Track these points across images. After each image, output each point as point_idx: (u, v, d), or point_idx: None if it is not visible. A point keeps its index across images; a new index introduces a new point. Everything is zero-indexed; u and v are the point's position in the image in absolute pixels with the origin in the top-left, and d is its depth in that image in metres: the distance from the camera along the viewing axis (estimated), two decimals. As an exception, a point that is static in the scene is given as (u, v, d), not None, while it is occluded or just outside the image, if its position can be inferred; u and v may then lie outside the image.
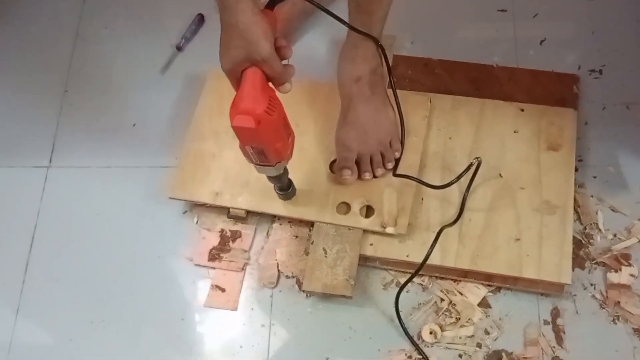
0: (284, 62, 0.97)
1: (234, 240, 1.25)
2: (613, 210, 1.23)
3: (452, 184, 1.17)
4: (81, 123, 1.41)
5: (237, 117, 0.94)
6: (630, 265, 1.18)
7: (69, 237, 1.29)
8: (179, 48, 1.46)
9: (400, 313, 1.15)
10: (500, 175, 1.23)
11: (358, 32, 1.13)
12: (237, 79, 0.97)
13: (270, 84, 0.98)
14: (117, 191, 1.33)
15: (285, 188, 1.18)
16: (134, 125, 1.39)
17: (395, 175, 1.21)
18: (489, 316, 1.17)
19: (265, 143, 0.99)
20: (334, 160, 1.24)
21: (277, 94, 0.99)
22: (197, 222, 1.27)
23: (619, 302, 1.16)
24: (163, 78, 1.44)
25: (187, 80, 1.42)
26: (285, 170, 1.12)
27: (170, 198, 1.26)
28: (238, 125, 0.95)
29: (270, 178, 1.13)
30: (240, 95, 0.96)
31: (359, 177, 1.22)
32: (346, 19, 1.13)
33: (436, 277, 1.20)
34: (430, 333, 1.15)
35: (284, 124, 1.02)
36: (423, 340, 1.15)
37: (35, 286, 1.26)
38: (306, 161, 1.24)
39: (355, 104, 1.20)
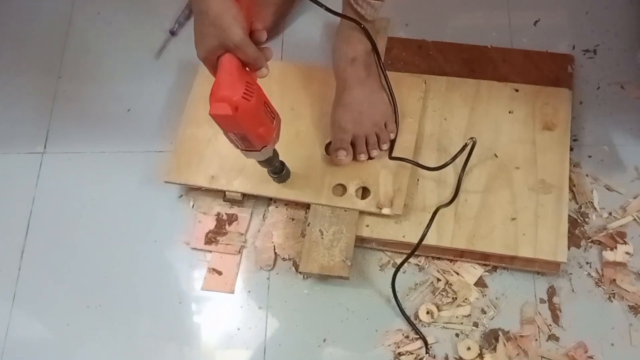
0: (264, 45, 0.97)
1: (230, 224, 1.25)
2: (608, 189, 1.23)
3: (447, 165, 1.17)
4: (75, 109, 1.40)
5: (213, 105, 0.94)
6: (625, 243, 1.18)
7: (65, 223, 1.29)
8: (173, 33, 1.45)
9: (397, 293, 1.16)
10: (496, 155, 1.23)
11: (348, 19, 1.12)
12: (213, 67, 0.97)
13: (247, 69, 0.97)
14: (112, 176, 1.33)
15: (278, 171, 1.18)
16: (129, 110, 1.39)
17: (391, 158, 1.21)
18: (485, 295, 1.17)
19: (246, 129, 0.99)
20: (330, 142, 1.24)
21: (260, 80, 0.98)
22: (193, 206, 1.27)
23: (614, 280, 1.16)
24: (157, 63, 1.44)
25: (182, 64, 1.42)
26: (275, 154, 1.11)
27: (166, 182, 1.26)
28: (215, 113, 0.95)
29: (260, 162, 1.12)
30: (216, 82, 0.95)
31: (354, 158, 1.22)
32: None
33: (432, 257, 1.20)
34: (427, 313, 1.16)
35: (265, 108, 1.01)
36: (420, 320, 1.16)
37: (32, 272, 1.26)
38: (302, 144, 1.24)
39: (350, 85, 1.20)
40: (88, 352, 1.20)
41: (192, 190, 1.28)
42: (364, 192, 1.22)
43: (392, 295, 1.16)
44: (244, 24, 0.93)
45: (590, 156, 1.26)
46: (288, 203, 1.26)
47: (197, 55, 0.96)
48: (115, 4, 1.51)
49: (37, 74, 1.44)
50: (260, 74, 0.98)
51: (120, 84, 1.43)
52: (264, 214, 1.26)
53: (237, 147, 1.05)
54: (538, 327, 1.14)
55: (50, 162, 1.35)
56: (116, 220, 1.29)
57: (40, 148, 1.37)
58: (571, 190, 1.22)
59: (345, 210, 1.20)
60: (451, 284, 1.18)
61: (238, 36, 0.93)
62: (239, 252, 1.23)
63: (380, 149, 1.22)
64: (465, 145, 1.16)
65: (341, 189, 1.22)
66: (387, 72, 1.24)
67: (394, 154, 1.22)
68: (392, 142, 1.23)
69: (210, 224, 1.25)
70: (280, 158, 1.14)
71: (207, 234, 1.24)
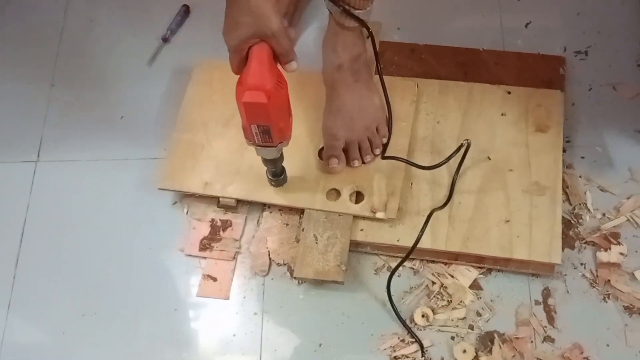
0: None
1: (224, 230, 1.25)
2: (601, 189, 1.23)
3: (442, 164, 1.17)
4: (69, 117, 1.40)
5: (247, 93, 0.94)
6: (619, 243, 1.18)
7: (59, 231, 1.29)
8: (165, 39, 1.46)
9: (392, 297, 1.16)
10: (489, 158, 1.23)
11: (355, 19, 1.11)
12: (241, 56, 0.97)
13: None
14: (106, 184, 1.32)
15: (278, 174, 1.18)
16: (122, 117, 1.39)
17: (383, 157, 1.22)
18: (480, 298, 1.17)
19: (273, 120, 0.99)
20: (322, 148, 1.24)
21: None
22: (187, 213, 1.27)
23: (609, 280, 1.16)
24: (150, 70, 1.43)
25: (174, 71, 1.42)
26: (282, 155, 1.12)
27: (160, 189, 1.26)
28: (249, 101, 0.94)
29: (266, 162, 1.12)
30: (248, 71, 0.95)
31: (348, 164, 1.22)
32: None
33: (427, 260, 1.20)
34: (423, 316, 1.16)
35: (289, 102, 1.02)
36: (415, 324, 1.16)
37: (27, 280, 1.25)
38: (296, 149, 1.24)
39: (339, 91, 1.20)
40: (86, 358, 1.19)
41: (186, 196, 1.28)
42: (358, 196, 1.22)
43: (387, 299, 1.16)
44: (281, 15, 0.94)
45: (583, 157, 1.27)
46: (282, 208, 1.26)
47: (227, 44, 0.95)
48: (108, 12, 1.51)
49: (30, 82, 1.44)
50: (289, 67, 0.98)
51: (113, 91, 1.42)
52: (258, 220, 1.26)
53: (253, 143, 1.05)
54: (533, 328, 1.14)
55: (44, 171, 1.35)
56: (110, 228, 1.28)
57: (33, 156, 1.36)
58: (564, 192, 1.22)
59: (340, 215, 1.20)
60: (446, 287, 1.18)
61: (276, 25, 0.93)
62: (234, 258, 1.23)
63: (374, 154, 1.23)
64: (461, 146, 1.16)
65: (335, 193, 1.22)
66: (381, 72, 1.24)
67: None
68: (385, 146, 1.23)
69: (205, 230, 1.25)
70: (275, 162, 1.15)
71: (202, 240, 1.24)
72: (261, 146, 1.05)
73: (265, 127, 1.00)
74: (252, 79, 0.93)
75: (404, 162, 1.21)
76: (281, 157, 1.12)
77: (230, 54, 0.97)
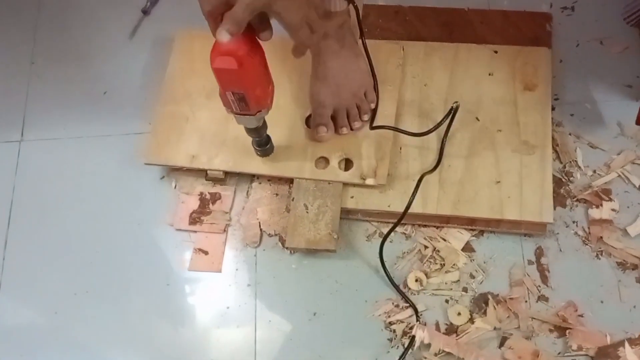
0: None
1: (213, 203, 1.24)
2: (591, 146, 1.23)
3: (433, 131, 1.16)
4: (51, 94, 1.38)
5: (218, 59, 0.92)
6: (610, 200, 1.18)
7: (47, 211, 1.28)
8: (145, 11, 1.43)
9: (385, 263, 1.15)
10: (477, 119, 1.22)
11: None
12: (216, 22, 0.94)
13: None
14: (92, 161, 1.31)
15: (263, 143, 1.17)
16: (105, 93, 1.37)
17: (372, 128, 1.20)
18: (473, 260, 1.17)
19: (247, 87, 0.97)
20: (310, 116, 1.23)
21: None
22: (175, 187, 1.26)
23: (601, 237, 1.16)
24: (131, 43, 1.41)
25: (156, 43, 1.40)
26: (264, 124, 1.10)
27: (146, 164, 1.24)
28: (219, 66, 0.93)
29: (249, 131, 1.11)
30: None
31: (336, 131, 1.21)
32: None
33: (419, 225, 1.19)
34: (416, 281, 1.16)
35: (265, 70, 1.00)
36: (409, 289, 1.16)
37: (16, 262, 1.24)
38: (282, 118, 1.23)
39: (324, 59, 1.18)
40: (80, 337, 1.19)
41: (173, 170, 1.27)
42: (347, 163, 1.21)
43: (380, 265, 1.15)
44: None
45: (572, 114, 1.26)
46: (271, 179, 1.25)
47: (202, 9, 0.92)
48: (85, -15, 1.48)
49: (10, 61, 1.41)
50: (264, 36, 0.96)
51: (95, 66, 1.40)
52: (248, 191, 1.25)
53: (232, 111, 1.03)
54: (527, 288, 1.14)
55: (28, 150, 1.33)
56: (99, 205, 1.27)
57: (17, 136, 1.34)
58: (554, 150, 1.22)
59: (329, 183, 1.19)
60: (439, 251, 1.17)
61: None
62: (224, 230, 1.22)
63: (362, 120, 1.21)
64: (451, 109, 1.15)
65: (324, 161, 1.21)
66: (365, 40, 1.22)
67: (375, 123, 1.21)
68: (373, 112, 1.22)
69: (194, 204, 1.24)
70: (263, 131, 1.13)
71: (191, 214, 1.23)
72: (239, 114, 1.04)
73: (241, 95, 0.98)
74: (224, 45, 0.91)
75: (393, 130, 1.19)
76: (264, 126, 1.10)
77: (206, 20, 0.95)
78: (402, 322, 1.14)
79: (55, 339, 1.19)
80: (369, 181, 1.18)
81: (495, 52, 1.27)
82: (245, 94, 0.98)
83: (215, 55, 0.92)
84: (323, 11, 1.13)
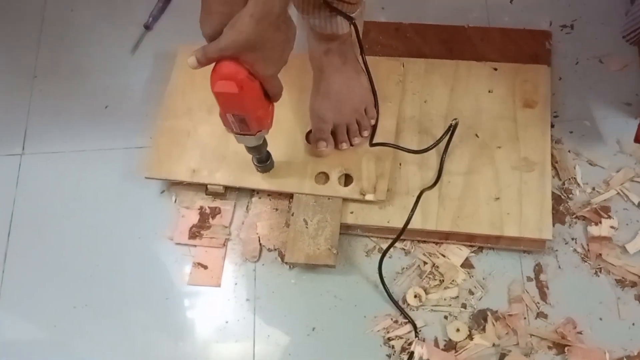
0: None
1: (213, 217, 1.24)
2: (591, 163, 1.23)
3: (432, 147, 1.16)
4: (53, 108, 1.39)
5: (219, 82, 0.92)
6: (609, 217, 1.18)
7: (47, 224, 1.28)
8: (148, 27, 1.44)
9: (384, 278, 1.15)
10: (477, 135, 1.23)
11: (336, 12, 1.11)
12: None
13: None
14: (93, 175, 1.31)
15: (264, 160, 1.17)
16: (106, 107, 1.38)
17: (372, 145, 1.20)
18: (472, 276, 1.17)
19: (247, 110, 0.97)
20: (310, 131, 1.23)
21: None
22: (175, 201, 1.26)
23: (600, 254, 1.16)
24: (133, 58, 1.42)
25: (158, 58, 1.40)
26: (265, 141, 1.10)
27: (147, 178, 1.24)
28: (220, 90, 0.93)
29: (249, 149, 1.11)
30: (221, 60, 0.94)
31: (336, 147, 1.21)
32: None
33: (418, 240, 1.20)
34: (415, 296, 1.16)
35: (265, 92, 1.00)
36: (408, 304, 1.16)
37: (16, 275, 1.25)
38: (282, 133, 1.23)
39: (327, 74, 1.19)
40: (79, 350, 1.19)
41: (174, 185, 1.27)
42: (347, 179, 1.21)
43: (379, 280, 1.15)
44: None
45: (571, 132, 1.26)
46: (271, 193, 1.25)
47: (202, 32, 0.93)
48: (88, 0, 1.49)
49: (12, 75, 1.42)
50: None
51: (97, 80, 1.41)
52: (248, 206, 1.25)
53: (232, 131, 1.03)
54: (526, 305, 1.14)
55: (29, 163, 1.34)
56: (99, 219, 1.28)
57: (18, 149, 1.35)
58: (554, 167, 1.22)
59: (329, 199, 1.19)
60: (438, 267, 1.17)
61: None
62: (224, 245, 1.22)
63: (362, 136, 1.22)
64: (450, 127, 1.16)
65: (324, 177, 1.21)
66: (365, 56, 1.23)
67: (375, 139, 1.21)
68: (373, 128, 1.22)
69: (194, 218, 1.24)
70: (263, 147, 1.13)
71: (191, 228, 1.23)
72: (239, 134, 1.04)
73: (241, 117, 0.98)
74: (225, 68, 0.91)
75: (393, 147, 1.20)
76: (264, 144, 1.11)
77: (207, 42, 0.96)
78: (401, 337, 1.14)
79: (55, 352, 1.19)
80: (369, 197, 1.18)
81: (495, 69, 1.28)
82: (245, 116, 0.98)
83: (216, 79, 0.92)
84: (325, 34, 1.14)
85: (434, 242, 1.19)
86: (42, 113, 1.39)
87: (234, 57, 0.90)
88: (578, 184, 1.21)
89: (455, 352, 1.12)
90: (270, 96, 0.99)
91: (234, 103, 0.95)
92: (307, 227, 1.18)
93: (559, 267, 1.16)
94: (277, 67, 0.95)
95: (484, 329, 1.13)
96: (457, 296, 1.16)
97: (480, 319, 1.14)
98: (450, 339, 1.13)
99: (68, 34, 1.47)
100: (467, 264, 1.18)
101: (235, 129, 1.02)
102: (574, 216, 1.19)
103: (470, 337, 1.13)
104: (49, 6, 1.49)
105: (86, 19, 1.47)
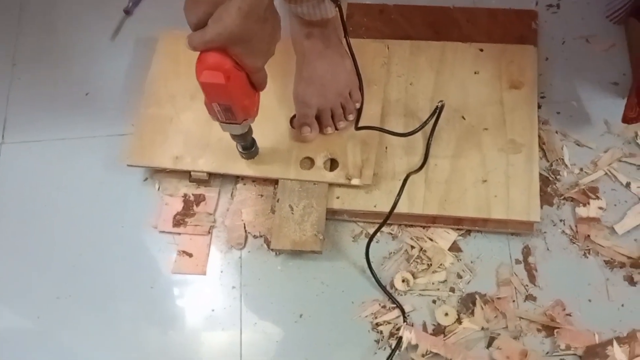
0: None
1: (197, 204, 1.22)
2: (578, 144, 1.22)
3: (418, 130, 1.15)
4: (32, 96, 1.36)
5: (205, 72, 0.90)
6: (598, 198, 1.17)
7: (29, 214, 1.26)
8: (128, 12, 1.42)
9: (372, 264, 1.14)
10: (463, 117, 1.21)
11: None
12: None
13: None
14: (74, 163, 1.29)
15: (248, 147, 1.16)
16: (87, 94, 1.35)
17: (357, 128, 1.19)
18: (460, 260, 1.16)
19: (233, 100, 0.96)
20: (294, 116, 1.22)
21: None
22: (158, 189, 1.25)
23: (589, 235, 1.15)
24: (114, 44, 1.40)
25: (139, 44, 1.38)
26: (250, 129, 1.09)
27: (129, 166, 1.23)
28: (206, 81, 0.91)
29: (234, 136, 1.10)
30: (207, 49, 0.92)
31: (321, 131, 1.20)
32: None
33: (405, 225, 1.18)
34: (403, 281, 1.15)
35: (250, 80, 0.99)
36: (396, 289, 1.14)
37: (-2, 266, 1.23)
38: (266, 118, 1.21)
39: (309, 59, 1.17)
40: (63, 341, 1.17)
41: (157, 172, 1.25)
42: (333, 163, 1.20)
43: (366, 265, 1.14)
44: None
45: (558, 112, 1.25)
46: (256, 179, 1.23)
47: (187, 21, 0.91)
48: (66, -14, 1.47)
49: (-10, 62, 1.40)
50: None
51: (77, 67, 1.38)
52: (232, 192, 1.24)
53: (217, 119, 1.02)
54: (515, 288, 1.13)
55: (9, 153, 1.31)
56: (81, 208, 1.26)
57: (-2, 139, 1.33)
58: (541, 148, 1.21)
59: (314, 184, 1.18)
60: (425, 251, 1.16)
61: None
62: (209, 232, 1.21)
63: (347, 120, 1.20)
64: (436, 109, 1.14)
65: (309, 162, 1.20)
66: (349, 39, 1.21)
67: (361, 123, 1.20)
68: (359, 111, 1.21)
69: (178, 205, 1.22)
70: (247, 133, 1.12)
71: (175, 216, 1.21)
72: (225, 123, 1.02)
73: (227, 106, 0.97)
74: (211, 58, 0.89)
75: (378, 130, 1.18)
76: (249, 132, 1.09)
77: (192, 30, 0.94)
78: (389, 323, 1.13)
79: (38, 343, 1.17)
80: (355, 181, 1.17)
81: (481, 50, 1.26)
82: (232, 105, 0.97)
83: (202, 69, 0.90)
84: (314, 21, 1.13)
85: (421, 226, 1.18)
86: (21, 101, 1.36)
87: (220, 48, 0.88)
88: (566, 165, 1.20)
89: (444, 337, 1.11)
90: (255, 86, 0.97)
91: (220, 93, 0.94)
92: (292, 213, 1.16)
93: (547, 249, 1.15)
94: (264, 60, 0.94)
95: (472, 313, 1.12)
96: (445, 280, 1.15)
97: (468, 303, 1.13)
98: (438, 324, 1.12)
99: (47, 21, 1.44)
100: (455, 248, 1.17)
101: (220, 117, 1.01)
102: (562, 197, 1.18)
103: (458, 321, 1.12)
104: (27, -8, 1.47)
105: (65, 5, 1.45)
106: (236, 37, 0.87)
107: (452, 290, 1.14)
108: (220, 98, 0.96)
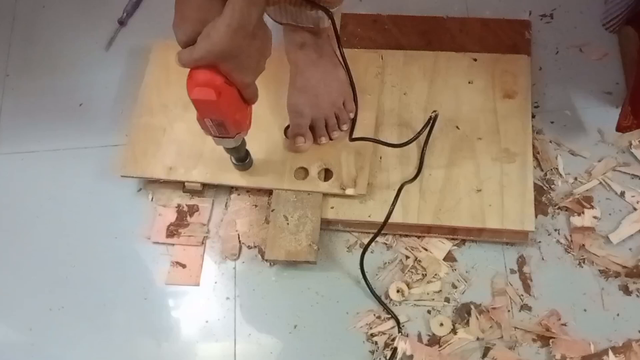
0: None
1: (191, 215, 1.22)
2: (572, 153, 1.22)
3: (412, 141, 1.15)
4: (26, 107, 1.36)
5: (196, 89, 0.90)
6: (592, 207, 1.17)
7: (22, 225, 1.25)
8: (122, 22, 1.41)
9: (366, 274, 1.14)
10: (457, 127, 1.21)
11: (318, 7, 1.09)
12: None
13: None
14: (68, 174, 1.29)
15: (242, 159, 1.15)
16: (80, 105, 1.35)
17: (351, 140, 1.19)
18: (455, 270, 1.15)
19: (225, 115, 0.96)
20: (288, 126, 1.21)
21: None
22: (152, 199, 1.24)
23: (583, 245, 1.15)
24: (107, 54, 1.40)
25: (132, 54, 1.38)
26: (243, 142, 1.09)
27: (123, 176, 1.22)
28: (197, 98, 0.91)
29: (227, 150, 1.10)
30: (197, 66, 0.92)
31: (315, 141, 1.20)
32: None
33: (400, 235, 1.18)
34: (398, 291, 1.14)
35: (242, 95, 0.99)
36: (391, 300, 1.14)
37: (-10, 278, 1.22)
38: (260, 128, 1.21)
39: (303, 69, 1.17)
40: (55, 353, 1.16)
41: (150, 182, 1.25)
42: (327, 173, 1.20)
43: (361, 276, 1.14)
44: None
45: (552, 122, 1.25)
46: (250, 190, 1.23)
47: (177, 39, 0.91)
48: (60, -4, 1.46)
49: (-17, 74, 1.40)
50: None
51: (70, 78, 1.38)
52: (226, 203, 1.23)
53: (210, 134, 1.02)
54: (510, 298, 1.13)
55: (2, 164, 1.31)
56: (75, 219, 1.25)
57: (-10, 150, 1.33)
58: (535, 158, 1.21)
59: (309, 194, 1.18)
60: (420, 261, 1.16)
61: None
62: (202, 243, 1.20)
63: (341, 130, 1.20)
64: (430, 119, 1.14)
65: (303, 172, 1.20)
66: (342, 49, 1.21)
67: (355, 133, 1.19)
68: (353, 121, 1.21)
69: (171, 216, 1.22)
70: (241, 145, 1.12)
71: (168, 226, 1.21)
72: (218, 137, 1.02)
73: (219, 121, 0.97)
74: (201, 75, 0.89)
75: (373, 141, 1.18)
76: (243, 144, 1.09)
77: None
78: (384, 333, 1.12)
79: (30, 355, 1.16)
80: (349, 191, 1.16)
81: (475, 60, 1.27)
82: (224, 120, 0.97)
83: (193, 86, 0.90)
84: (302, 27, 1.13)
85: (415, 236, 1.18)
86: (14, 112, 1.36)
87: (210, 65, 0.88)
88: (560, 175, 1.20)
89: (439, 347, 1.10)
90: (246, 100, 0.97)
91: (212, 109, 0.94)
92: (287, 224, 1.16)
93: (542, 258, 1.15)
94: (254, 75, 0.95)
95: (467, 323, 1.11)
96: (440, 290, 1.14)
97: (463, 313, 1.12)
98: (433, 334, 1.11)
99: (40, 31, 1.44)
100: (449, 258, 1.16)
101: (213, 132, 1.01)
102: (557, 207, 1.18)
103: (454, 331, 1.11)
104: (20, 3, 1.47)
105: (59, 16, 1.45)
106: (225, 54, 0.87)
107: (447, 300, 1.14)
108: (213, 114, 0.95)
